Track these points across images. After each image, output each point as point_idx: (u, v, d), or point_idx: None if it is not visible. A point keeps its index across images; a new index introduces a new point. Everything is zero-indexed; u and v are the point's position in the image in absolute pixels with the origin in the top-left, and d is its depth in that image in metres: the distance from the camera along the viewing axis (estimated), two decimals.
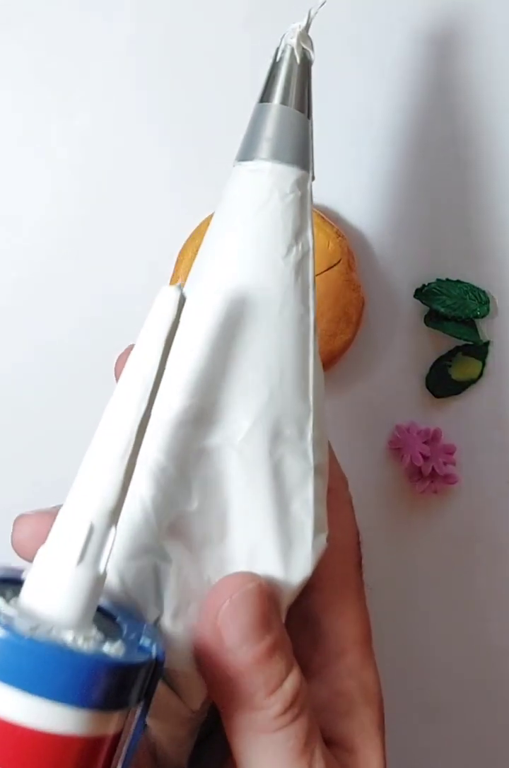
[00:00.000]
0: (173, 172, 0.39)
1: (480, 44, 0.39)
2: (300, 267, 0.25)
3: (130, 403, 0.22)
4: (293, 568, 0.24)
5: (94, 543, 0.21)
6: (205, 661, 0.23)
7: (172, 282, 0.38)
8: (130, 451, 0.21)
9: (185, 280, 0.27)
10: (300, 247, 0.26)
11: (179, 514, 0.23)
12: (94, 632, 0.21)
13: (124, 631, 0.21)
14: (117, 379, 0.27)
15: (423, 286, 0.39)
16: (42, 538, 0.22)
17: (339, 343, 0.38)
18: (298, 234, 0.26)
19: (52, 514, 0.23)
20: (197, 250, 0.27)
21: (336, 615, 0.26)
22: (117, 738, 0.20)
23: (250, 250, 0.25)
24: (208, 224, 0.27)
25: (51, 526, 0.22)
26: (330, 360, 0.38)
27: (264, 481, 0.24)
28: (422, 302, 0.39)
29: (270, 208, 0.25)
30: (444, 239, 0.40)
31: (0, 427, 0.40)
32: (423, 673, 0.41)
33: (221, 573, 0.24)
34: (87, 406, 0.38)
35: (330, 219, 0.38)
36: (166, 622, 0.23)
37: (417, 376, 0.40)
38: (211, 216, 0.27)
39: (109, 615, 0.22)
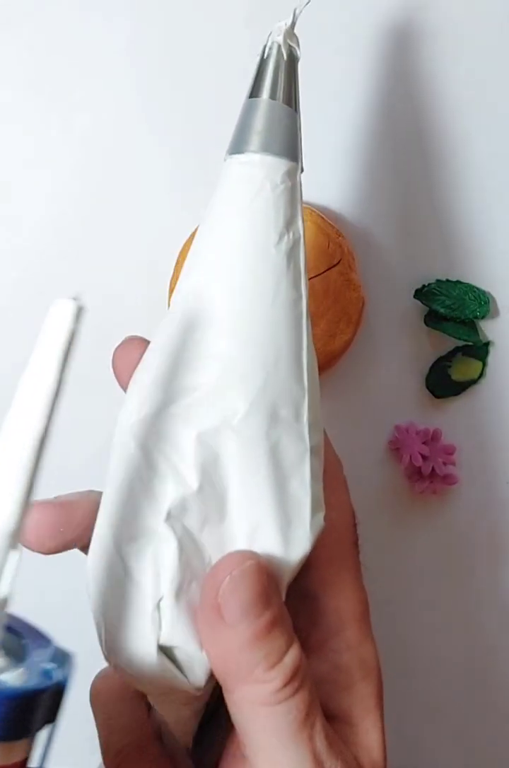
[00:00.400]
0: (173, 172, 0.39)
1: (479, 43, 0.39)
2: (291, 254, 0.26)
3: (29, 420, 0.21)
4: (292, 545, 0.24)
5: None
6: (207, 638, 0.24)
7: (172, 282, 0.38)
8: (30, 470, 0.21)
9: None
10: (291, 236, 0.26)
11: (180, 496, 0.24)
12: None
13: (29, 656, 0.21)
14: (115, 373, 0.28)
15: (423, 286, 0.39)
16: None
17: (339, 343, 0.38)
18: (290, 223, 0.26)
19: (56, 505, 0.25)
20: None
21: (335, 592, 0.27)
22: (23, 764, 0.20)
23: (244, 238, 0.26)
24: None
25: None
26: (330, 360, 0.38)
27: (262, 461, 0.24)
28: (422, 302, 0.39)
29: (262, 198, 0.26)
30: (444, 239, 0.40)
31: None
32: (422, 672, 0.41)
33: (221, 552, 0.24)
34: (86, 405, 0.38)
35: (330, 219, 0.38)
36: (169, 601, 0.24)
37: (417, 377, 0.40)
38: None
39: (18, 635, 0.22)
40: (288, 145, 0.27)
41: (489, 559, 0.41)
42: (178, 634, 0.24)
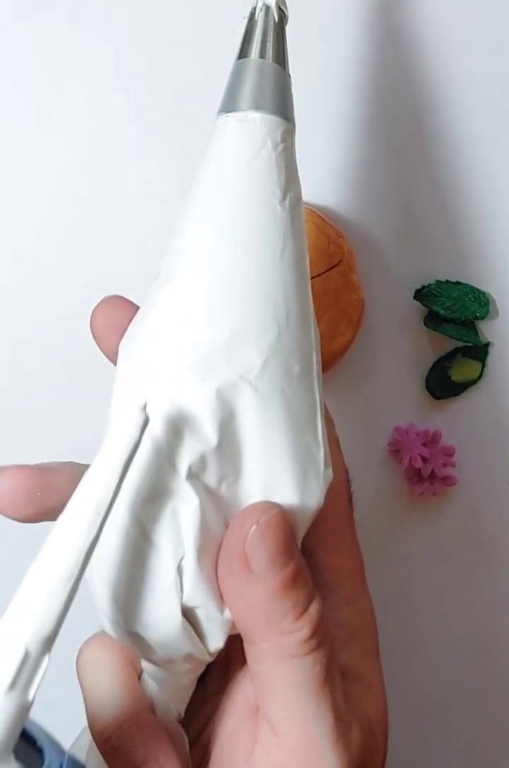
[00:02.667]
0: (174, 171, 0.39)
1: (480, 43, 0.39)
2: (294, 211, 0.26)
3: (79, 526, 0.21)
4: (307, 498, 0.24)
5: (26, 670, 0.20)
6: (232, 590, 0.24)
7: None
8: (74, 577, 0.20)
9: None
10: (293, 194, 0.26)
11: (199, 452, 0.24)
12: (12, 764, 0.20)
13: (45, 762, 0.21)
14: (96, 334, 0.27)
15: (423, 287, 0.39)
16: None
17: (339, 344, 0.38)
18: (291, 181, 0.26)
19: (33, 469, 0.25)
20: None
21: (332, 549, 0.27)
22: None
23: (249, 194, 0.26)
24: None
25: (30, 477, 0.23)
26: (330, 361, 0.38)
27: (279, 416, 0.24)
28: (422, 304, 0.39)
29: (264, 155, 0.26)
30: (444, 240, 0.40)
31: (3, 428, 0.40)
32: (422, 673, 0.41)
33: (237, 510, 0.24)
34: (85, 407, 0.38)
35: (330, 219, 0.38)
36: (191, 562, 0.23)
37: (417, 378, 0.40)
38: None
39: (32, 741, 0.22)
40: (283, 104, 0.27)
41: (489, 560, 0.41)
42: (199, 594, 0.23)
